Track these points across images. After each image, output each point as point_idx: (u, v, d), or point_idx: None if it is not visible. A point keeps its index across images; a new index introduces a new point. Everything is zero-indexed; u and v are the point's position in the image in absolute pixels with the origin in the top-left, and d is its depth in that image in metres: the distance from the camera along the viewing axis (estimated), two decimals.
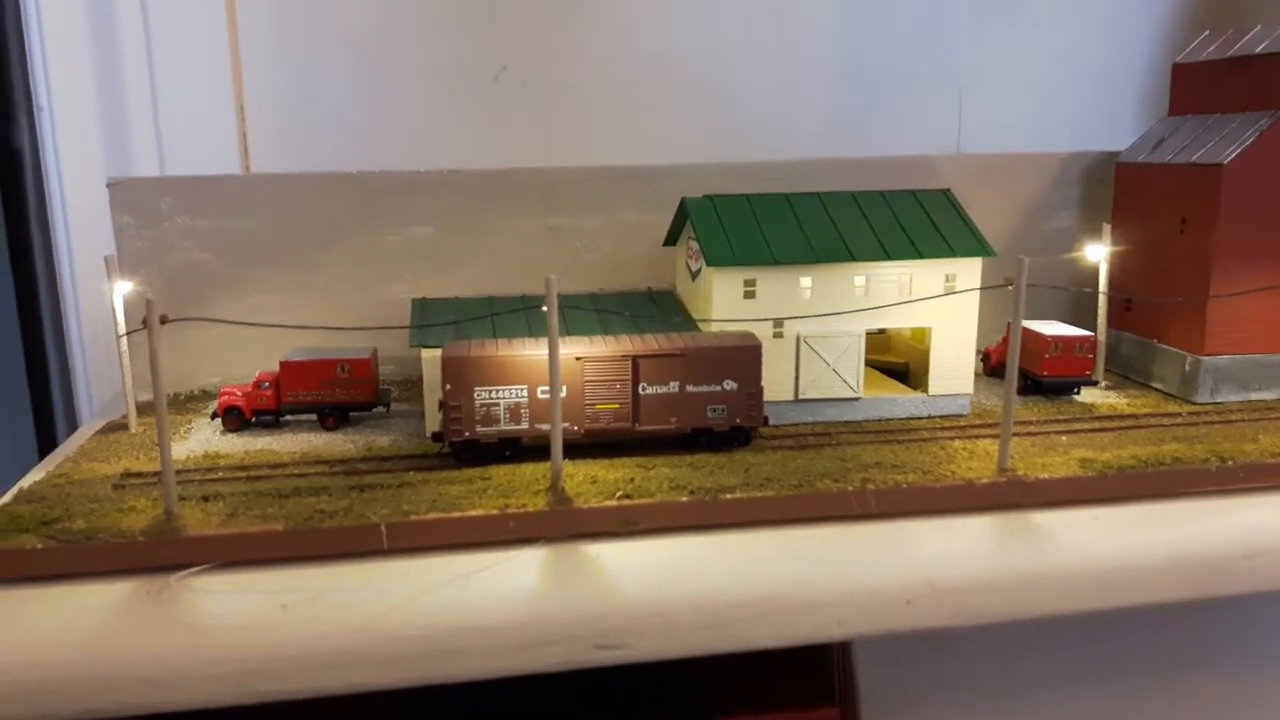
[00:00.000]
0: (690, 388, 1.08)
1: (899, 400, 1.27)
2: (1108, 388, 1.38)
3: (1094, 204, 1.58)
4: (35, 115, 1.78)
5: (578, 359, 1.06)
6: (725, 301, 1.19)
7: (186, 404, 1.40)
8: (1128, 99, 2.02)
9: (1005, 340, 1.41)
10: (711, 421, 1.09)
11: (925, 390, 1.27)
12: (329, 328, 1.10)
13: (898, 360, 1.43)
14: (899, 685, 1.08)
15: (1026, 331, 1.35)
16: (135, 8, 1.76)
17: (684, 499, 0.99)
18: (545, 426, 1.03)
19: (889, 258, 1.20)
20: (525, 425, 1.06)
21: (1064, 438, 1.16)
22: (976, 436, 1.17)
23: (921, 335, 1.31)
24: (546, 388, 1.02)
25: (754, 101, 1.92)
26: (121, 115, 1.78)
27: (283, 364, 1.22)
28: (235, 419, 1.23)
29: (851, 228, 1.24)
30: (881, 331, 1.52)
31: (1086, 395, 1.34)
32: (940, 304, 1.23)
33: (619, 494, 0.99)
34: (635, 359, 1.06)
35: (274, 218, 1.43)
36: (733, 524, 0.99)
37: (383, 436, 1.20)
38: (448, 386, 1.04)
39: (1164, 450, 1.09)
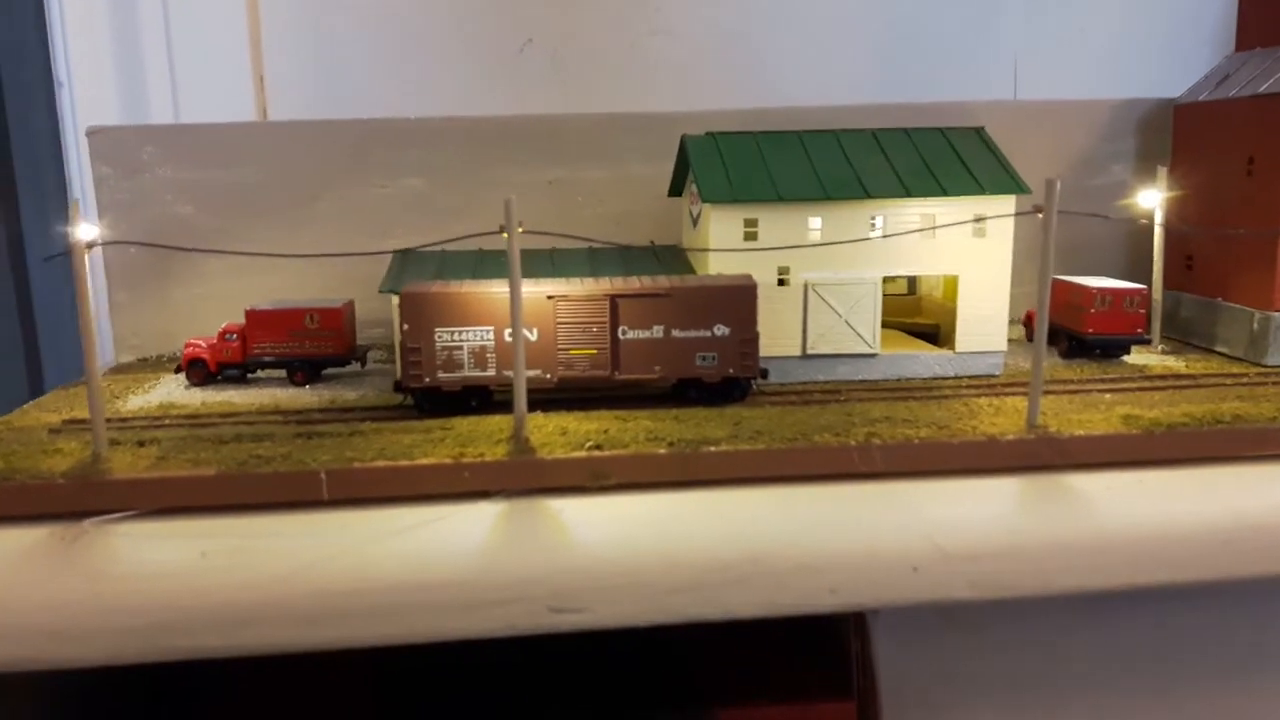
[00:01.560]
0: (676, 333, 0.97)
1: (921, 358, 1.14)
2: (1165, 351, 1.23)
3: (1151, 156, 1.42)
4: (55, 91, 1.74)
5: (550, 298, 0.95)
6: (723, 244, 1.07)
7: (166, 363, 1.33)
8: (1201, 49, 1.84)
9: (1052, 300, 1.27)
10: (701, 371, 0.98)
11: (952, 348, 1.14)
12: (284, 255, 1.01)
13: (929, 322, 1.30)
14: (926, 677, 0.95)
15: (1069, 285, 1.22)
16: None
17: (662, 451, 0.87)
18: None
19: (909, 195, 1.08)
20: (492, 372, 0.96)
21: (1107, 395, 1.02)
22: (1006, 394, 1.03)
23: (953, 293, 1.18)
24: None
25: (794, 66, 1.79)
26: (143, 97, 1.73)
27: (248, 313, 1.14)
28: (200, 372, 1.15)
29: (869, 165, 1.12)
30: (911, 292, 1.39)
31: (1138, 357, 1.19)
32: (968, 249, 1.10)
33: (589, 445, 0.88)
34: (614, 299, 0.96)
35: (259, 169, 1.35)
36: (716, 480, 0.87)
37: (352, 392, 1.11)
38: (405, 327, 0.95)
39: (1223, 409, 0.95)
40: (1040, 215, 0.90)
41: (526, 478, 0.86)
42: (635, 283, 0.98)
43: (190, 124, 1.38)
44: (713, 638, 1.20)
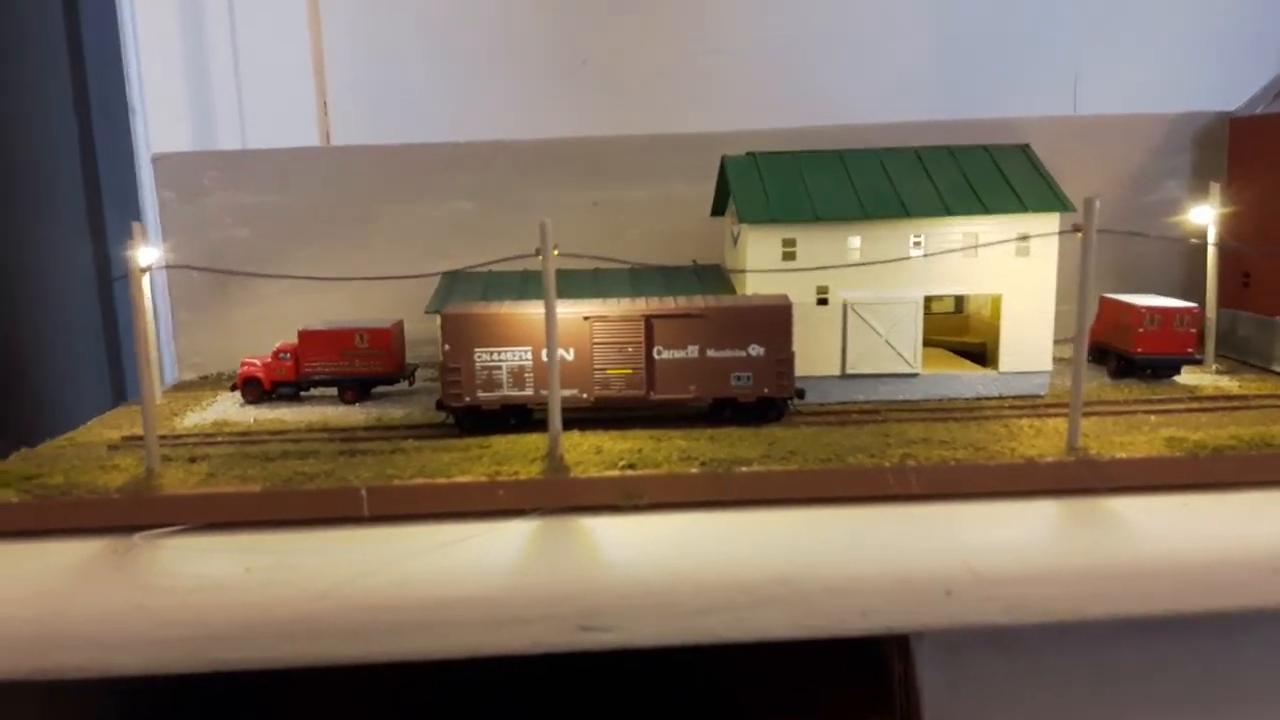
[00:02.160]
0: (711, 352, 0.97)
1: (964, 378, 1.13)
2: (1219, 371, 1.20)
3: (1208, 172, 1.38)
4: (130, 118, 1.82)
5: (586, 319, 0.97)
6: (760, 264, 1.08)
7: (225, 381, 1.37)
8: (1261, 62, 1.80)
9: (1100, 319, 1.25)
10: (736, 391, 0.98)
11: (996, 368, 1.12)
12: (338, 279, 1.04)
13: (976, 341, 1.28)
14: (972, 702, 0.94)
15: (1117, 303, 1.20)
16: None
17: (694, 471, 0.88)
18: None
19: (949, 213, 1.07)
20: (530, 391, 0.97)
21: (1153, 417, 0.99)
22: (1050, 415, 1.02)
23: (999, 312, 1.16)
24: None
25: (849, 83, 1.79)
26: (211, 123, 1.80)
27: (301, 333, 1.18)
28: (254, 390, 1.18)
29: (910, 184, 1.11)
30: (959, 311, 1.38)
31: (1190, 377, 1.16)
32: (1012, 268, 1.09)
33: (622, 464, 0.89)
34: (649, 319, 0.97)
35: (312, 192, 1.40)
36: (749, 501, 0.88)
37: (399, 410, 1.14)
38: (446, 347, 0.97)
39: (1274, 430, 0.92)
40: (1080, 234, 0.88)
41: (560, 496, 0.87)
42: (670, 303, 0.99)
43: (248, 149, 1.43)
44: (755, 657, 1.20)
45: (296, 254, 1.40)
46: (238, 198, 1.40)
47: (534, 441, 0.96)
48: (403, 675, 1.18)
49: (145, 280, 1.20)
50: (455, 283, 1.24)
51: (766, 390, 0.98)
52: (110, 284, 1.74)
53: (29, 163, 1.47)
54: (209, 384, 1.36)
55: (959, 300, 1.36)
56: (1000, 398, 1.11)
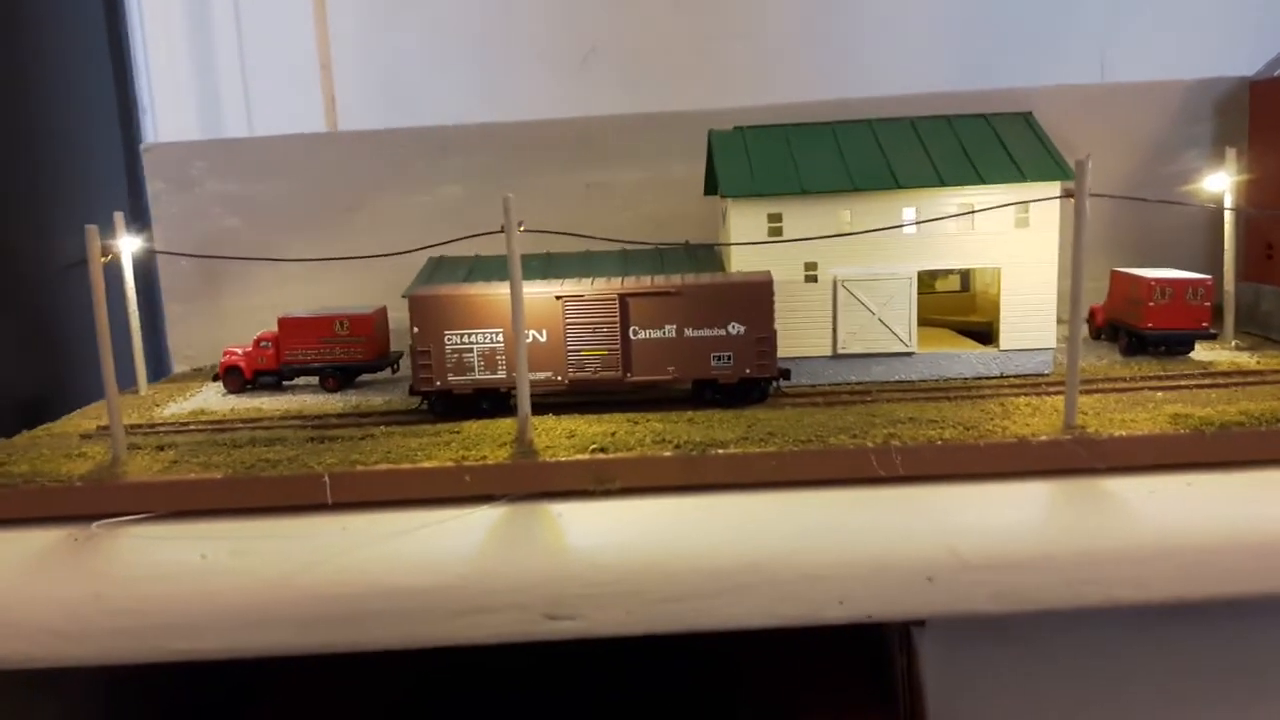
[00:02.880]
0: (689, 332, 0.93)
1: (963, 356, 1.08)
2: (1239, 347, 1.14)
3: (1230, 139, 1.31)
4: (138, 116, 1.81)
5: (558, 298, 0.93)
6: (744, 239, 1.04)
7: (216, 372, 1.36)
8: None
9: (1111, 294, 1.19)
10: (717, 371, 0.94)
11: (996, 345, 1.07)
12: (315, 260, 1.02)
13: (982, 320, 1.23)
14: (977, 694, 0.89)
15: (1127, 276, 1.14)
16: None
17: (667, 454, 0.84)
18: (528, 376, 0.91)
19: (943, 184, 1.02)
20: (502, 374, 0.94)
21: (1160, 394, 0.94)
22: (1050, 394, 0.97)
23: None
24: (525, 331, 0.90)
25: (871, 59, 1.72)
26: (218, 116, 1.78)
27: (281, 320, 1.15)
28: (236, 380, 1.16)
29: (903, 155, 1.07)
30: (965, 289, 1.32)
31: (1206, 353, 1.10)
32: (1011, 240, 1.04)
33: (593, 448, 0.85)
34: (623, 298, 0.93)
35: (299, 181, 1.38)
36: (724, 484, 0.84)
37: (379, 397, 1.11)
38: (415, 330, 0.94)
39: None
40: (1071, 200, 0.83)
41: (528, 481, 0.84)
42: (646, 281, 0.95)
43: (236, 138, 1.42)
44: (756, 646, 1.16)
45: (284, 242, 1.38)
46: (226, 187, 1.38)
47: (506, 426, 0.93)
48: (405, 663, 1.17)
49: (128, 267, 1.20)
50: (439, 267, 1.21)
51: (748, 370, 0.94)
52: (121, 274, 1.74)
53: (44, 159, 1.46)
54: (201, 376, 1.35)
55: (965, 278, 1.31)
56: (1001, 377, 1.06)
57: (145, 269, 1.54)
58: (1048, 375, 1.06)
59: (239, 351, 1.17)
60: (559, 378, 0.95)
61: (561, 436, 0.89)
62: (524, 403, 0.87)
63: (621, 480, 0.84)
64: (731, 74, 1.71)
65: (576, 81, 1.74)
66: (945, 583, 0.76)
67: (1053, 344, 1.07)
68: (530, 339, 0.93)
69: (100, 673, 0.84)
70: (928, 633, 0.87)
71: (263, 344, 1.16)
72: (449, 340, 0.93)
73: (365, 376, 1.20)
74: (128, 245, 1.18)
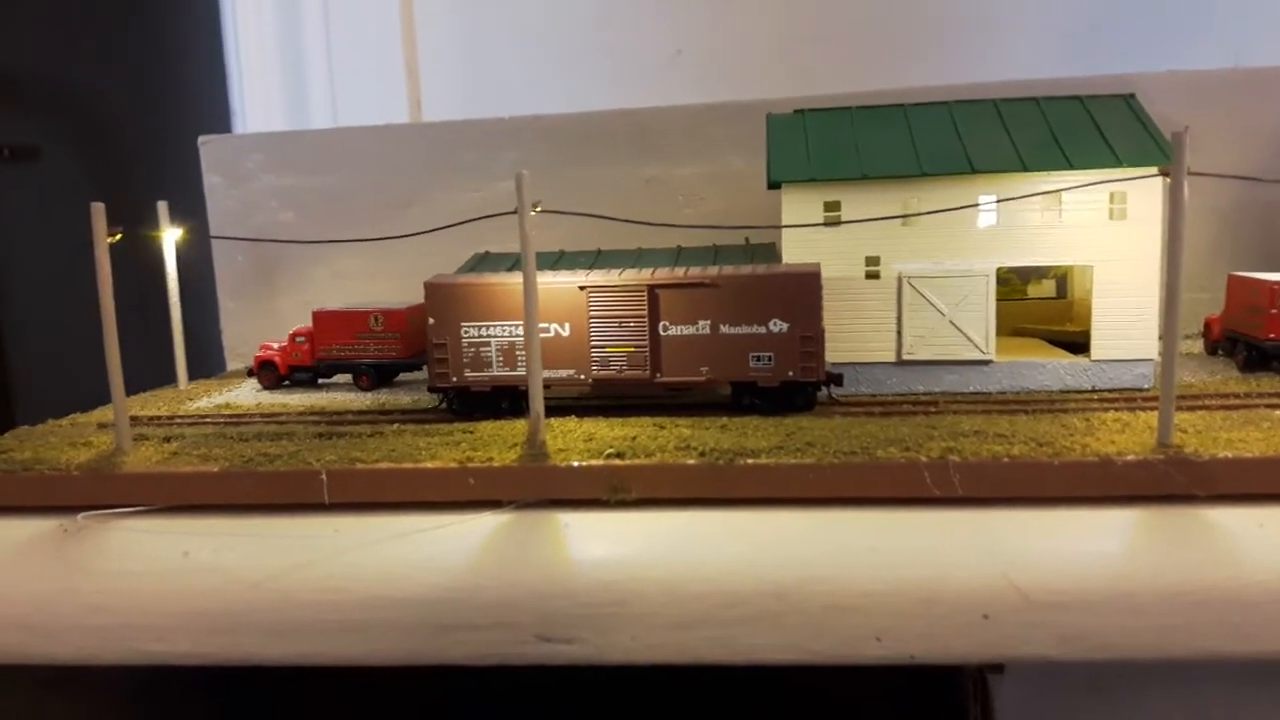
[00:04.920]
0: (725, 328, 0.84)
1: (1048, 366, 0.95)
2: None
3: None
4: (230, 122, 1.83)
5: (581, 288, 0.85)
6: (799, 230, 0.93)
7: None
8: None
9: (1229, 302, 1.04)
10: (755, 373, 0.84)
11: (1088, 355, 0.94)
12: (355, 240, 0.96)
13: (1080, 330, 1.09)
14: None
15: (1246, 281, 0.99)
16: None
17: (690, 462, 0.75)
18: (546, 373, 0.83)
19: (1025, 169, 0.90)
20: (522, 371, 0.87)
21: (1278, 413, 0.80)
22: (1145, 408, 0.83)
23: None
24: (545, 325, 0.83)
25: (974, 46, 1.60)
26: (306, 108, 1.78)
27: (315, 315, 1.11)
28: (270, 375, 1.12)
29: (982, 137, 0.95)
30: (1061, 296, 1.19)
31: None
32: (1105, 234, 0.91)
33: (609, 453, 0.77)
34: (653, 289, 0.84)
35: (354, 175, 1.34)
36: (752, 499, 0.74)
37: (408, 396, 1.05)
38: (431, 321, 0.87)
39: None
40: (1168, 180, 0.71)
41: (535, 486, 0.76)
42: (678, 272, 0.86)
43: (292, 131, 1.39)
44: (820, 686, 1.05)
45: (337, 235, 1.34)
46: (282, 180, 1.36)
47: (523, 427, 0.85)
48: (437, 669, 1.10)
49: (170, 259, 1.17)
50: (484, 261, 1.15)
51: (791, 373, 0.84)
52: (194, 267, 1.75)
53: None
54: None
55: (1061, 282, 1.18)
56: (1093, 391, 0.93)
57: (199, 265, 1.53)
58: (1147, 390, 0.92)
59: (275, 347, 1.13)
60: (582, 376, 0.86)
61: (579, 440, 0.81)
62: (536, 400, 0.79)
63: (638, 490, 0.75)
64: (810, 77, 1.61)
65: (660, 80, 1.66)
66: (1003, 622, 0.65)
67: (1154, 354, 0.93)
68: (551, 333, 0.85)
69: (122, 674, 0.80)
70: (1006, 680, 0.75)
71: (298, 339, 1.12)
72: (465, 333, 0.87)
73: (402, 375, 1.14)
74: (170, 236, 1.16)
